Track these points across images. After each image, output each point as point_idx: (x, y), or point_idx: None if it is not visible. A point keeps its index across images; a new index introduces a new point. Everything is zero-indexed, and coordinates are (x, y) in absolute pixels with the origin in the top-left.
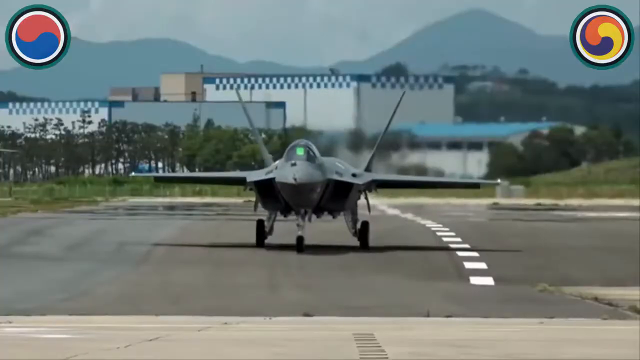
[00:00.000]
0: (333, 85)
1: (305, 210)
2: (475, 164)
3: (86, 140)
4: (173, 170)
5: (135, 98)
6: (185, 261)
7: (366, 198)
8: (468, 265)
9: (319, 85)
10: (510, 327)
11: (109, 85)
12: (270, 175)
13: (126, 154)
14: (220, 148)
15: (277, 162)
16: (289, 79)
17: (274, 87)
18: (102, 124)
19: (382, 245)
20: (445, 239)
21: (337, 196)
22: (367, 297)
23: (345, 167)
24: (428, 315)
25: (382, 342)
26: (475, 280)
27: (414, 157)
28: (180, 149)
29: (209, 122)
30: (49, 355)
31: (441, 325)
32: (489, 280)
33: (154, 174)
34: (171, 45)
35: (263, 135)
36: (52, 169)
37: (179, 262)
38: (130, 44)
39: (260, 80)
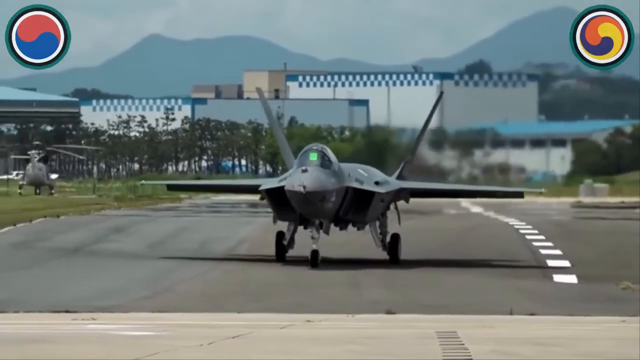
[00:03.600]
0: (416, 83)
1: (320, 221)
2: (559, 162)
3: (169, 137)
4: (256, 168)
5: (218, 95)
6: (266, 260)
7: (396, 208)
8: (551, 263)
9: (402, 83)
10: (592, 325)
11: (192, 83)
12: (282, 183)
13: (209, 152)
14: (303, 146)
15: (293, 168)
16: (372, 77)
17: (357, 84)
18: (185, 121)
19: (462, 241)
20: (528, 237)
21: (357, 206)
22: (450, 296)
23: (368, 174)
24: (511, 313)
25: (465, 340)
26: (558, 278)
27: (497, 156)
28: (263, 147)
29: (292, 120)
30: (132, 352)
31: (524, 324)
32: (572, 279)
33: (167, 182)
34: (254, 43)
35: (346, 133)
36: (136, 166)
37: (260, 260)
38: (213, 42)
39: (343, 77)
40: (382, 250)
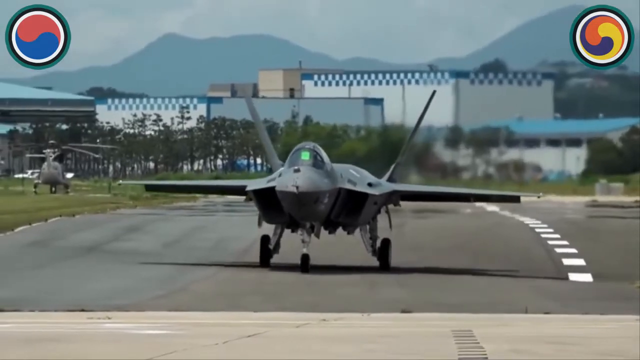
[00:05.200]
0: (432, 82)
1: (311, 224)
2: (574, 161)
3: (185, 136)
4: (271, 167)
5: (233, 94)
6: (281, 259)
7: (387, 212)
8: (567, 261)
9: (417, 82)
10: (607, 324)
11: (207, 82)
12: (272, 184)
13: (225, 150)
14: (318, 144)
15: (282, 168)
16: (387, 76)
17: (372, 83)
18: (200, 120)
19: (478, 240)
20: (543, 236)
21: (349, 208)
22: (466, 294)
23: (361, 175)
24: (526, 312)
25: (481, 339)
26: (574, 276)
27: (512, 154)
28: (279, 145)
29: (307, 119)
30: (148, 351)
31: (539, 322)
32: (587, 277)
33: (145, 181)
34: (270, 42)
35: (362, 132)
36: (151, 165)
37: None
38: (229, 40)
39: (358, 76)
40: (372, 256)
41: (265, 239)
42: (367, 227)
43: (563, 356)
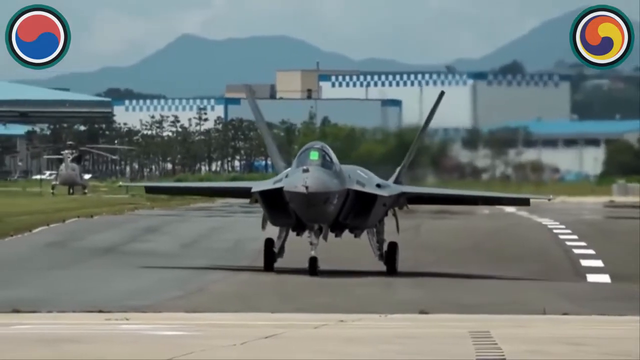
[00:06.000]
0: (450, 83)
1: (319, 226)
2: (592, 161)
3: (202, 137)
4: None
5: None
6: (296, 260)
7: (395, 215)
8: (584, 262)
9: (435, 83)
10: (625, 325)
11: (225, 83)
12: (279, 185)
13: (242, 151)
14: (336, 146)
15: (289, 168)
16: (404, 77)
17: (390, 84)
18: (218, 121)
19: (495, 240)
20: (561, 237)
21: (358, 210)
22: (484, 295)
23: (368, 176)
24: (544, 313)
25: (499, 340)
26: (592, 277)
27: (530, 155)
28: (296, 146)
29: (325, 120)
30: (165, 352)
31: (557, 323)
32: (605, 278)
33: (145, 183)
34: (286, 43)
35: (378, 135)
36: (169, 166)
37: (289, 261)
38: (246, 41)
39: (375, 77)
40: (379, 260)
41: (269, 243)
42: (374, 230)
43: (580, 357)
